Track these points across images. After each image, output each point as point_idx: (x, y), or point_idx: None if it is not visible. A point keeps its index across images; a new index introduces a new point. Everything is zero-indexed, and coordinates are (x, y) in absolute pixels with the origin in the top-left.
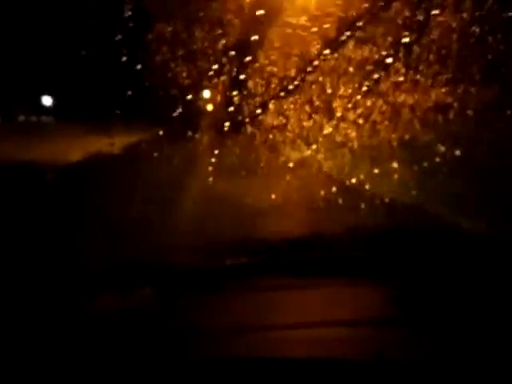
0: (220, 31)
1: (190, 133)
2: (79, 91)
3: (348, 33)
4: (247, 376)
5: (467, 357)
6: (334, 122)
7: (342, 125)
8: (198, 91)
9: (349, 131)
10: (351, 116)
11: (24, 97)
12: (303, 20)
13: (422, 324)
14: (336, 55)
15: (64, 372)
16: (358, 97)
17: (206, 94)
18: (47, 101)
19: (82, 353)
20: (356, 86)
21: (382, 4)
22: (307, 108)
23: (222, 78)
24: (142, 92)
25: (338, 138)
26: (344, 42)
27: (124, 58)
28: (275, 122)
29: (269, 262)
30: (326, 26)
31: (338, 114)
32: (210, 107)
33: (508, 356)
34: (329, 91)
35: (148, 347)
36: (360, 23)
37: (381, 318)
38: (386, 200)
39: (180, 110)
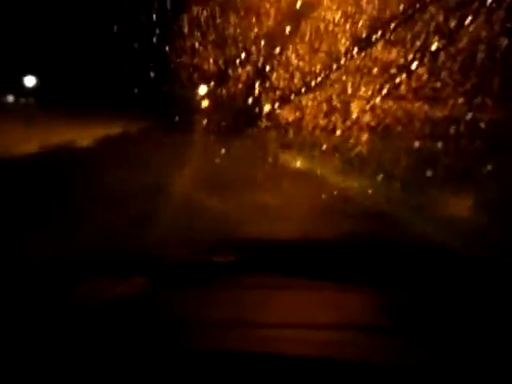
0: (254, 20)
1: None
2: (69, 74)
3: (379, 33)
4: (231, 369)
5: (457, 365)
6: (348, 124)
7: (356, 127)
8: (221, 79)
9: (361, 134)
10: (366, 118)
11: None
12: (338, 16)
13: (411, 332)
14: (363, 54)
15: (51, 364)
16: (377, 99)
17: (203, 89)
18: (30, 81)
19: (70, 342)
20: (377, 87)
21: (418, 7)
22: (324, 106)
23: (247, 67)
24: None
25: (350, 141)
26: (373, 43)
27: (151, 39)
28: (290, 118)
29: (259, 260)
30: (359, 24)
31: (354, 116)
32: (205, 103)
33: (498, 367)
34: (349, 91)
35: (136, 337)
36: (392, 25)
37: (369, 324)
38: (384, 208)
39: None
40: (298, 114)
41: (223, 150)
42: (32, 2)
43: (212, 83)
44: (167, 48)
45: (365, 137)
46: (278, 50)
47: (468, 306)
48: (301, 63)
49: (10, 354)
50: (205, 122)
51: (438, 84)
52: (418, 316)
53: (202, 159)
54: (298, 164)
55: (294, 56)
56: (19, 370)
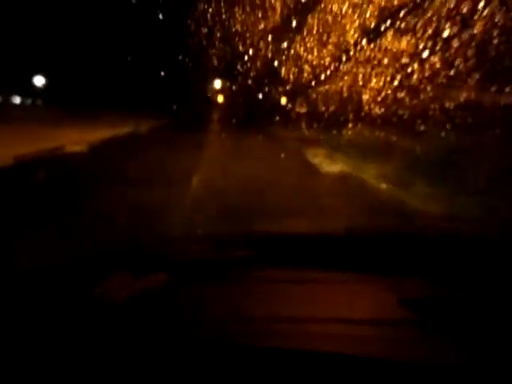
0: (260, 14)
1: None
2: (79, 74)
3: (388, 23)
4: (253, 364)
5: (481, 359)
6: (361, 115)
7: (368, 119)
8: (229, 76)
9: (373, 127)
10: (378, 111)
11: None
12: (345, 7)
13: (434, 325)
14: (372, 45)
15: (74, 357)
16: (389, 91)
17: (217, 83)
18: (39, 81)
19: (93, 336)
20: (388, 79)
21: None
22: (335, 99)
23: (256, 63)
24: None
25: (361, 135)
26: (383, 33)
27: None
28: (301, 112)
29: (276, 254)
30: (367, 14)
31: (366, 108)
32: (220, 98)
33: None
34: (360, 83)
35: (158, 333)
36: (402, 13)
37: (392, 318)
38: (396, 200)
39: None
40: (307, 108)
41: (240, 152)
42: (42, 2)
43: (225, 78)
44: (178, 44)
45: (378, 130)
46: (286, 45)
47: (497, 298)
48: (309, 56)
49: (33, 348)
50: (218, 118)
51: (451, 72)
52: (441, 308)
53: (217, 167)
54: (314, 159)
55: (302, 49)
56: (44, 363)
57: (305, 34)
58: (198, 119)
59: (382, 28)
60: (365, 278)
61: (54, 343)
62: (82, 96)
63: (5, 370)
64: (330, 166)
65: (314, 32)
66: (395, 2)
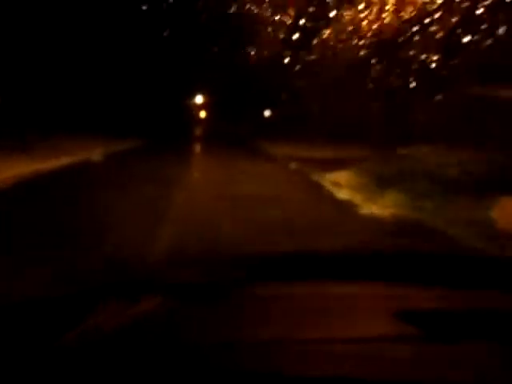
0: (277, 37)
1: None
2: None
3: (402, 38)
4: None
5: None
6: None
7: (372, 131)
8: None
9: (373, 147)
10: (384, 123)
11: None
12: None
13: (434, 340)
14: (385, 62)
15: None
16: (395, 102)
17: (199, 99)
18: None
19: (87, 368)
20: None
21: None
22: (337, 118)
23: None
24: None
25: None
26: (400, 45)
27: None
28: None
29: (266, 273)
30: (382, 32)
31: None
32: (202, 114)
33: None
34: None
35: (157, 360)
36: (416, 27)
37: (387, 333)
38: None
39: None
40: (316, 124)
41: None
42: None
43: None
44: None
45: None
46: (299, 67)
47: (504, 312)
48: (316, 77)
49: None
50: (203, 137)
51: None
52: (447, 323)
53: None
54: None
55: (315, 70)
56: None
57: (318, 53)
58: (176, 138)
59: (399, 41)
60: (363, 290)
61: (45, 378)
62: (34, 119)
63: None
64: (368, 203)
65: (328, 51)
66: (410, 16)
